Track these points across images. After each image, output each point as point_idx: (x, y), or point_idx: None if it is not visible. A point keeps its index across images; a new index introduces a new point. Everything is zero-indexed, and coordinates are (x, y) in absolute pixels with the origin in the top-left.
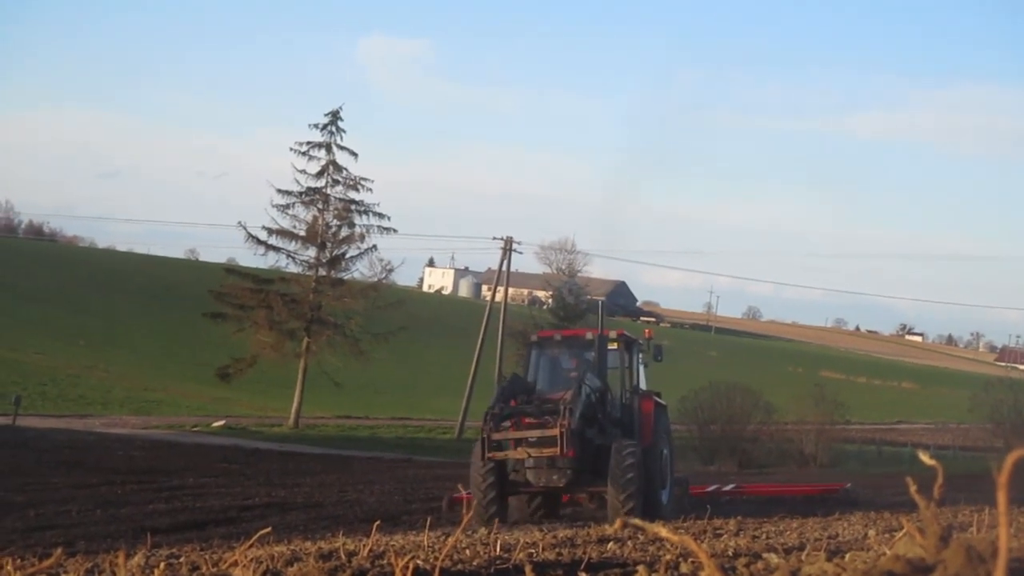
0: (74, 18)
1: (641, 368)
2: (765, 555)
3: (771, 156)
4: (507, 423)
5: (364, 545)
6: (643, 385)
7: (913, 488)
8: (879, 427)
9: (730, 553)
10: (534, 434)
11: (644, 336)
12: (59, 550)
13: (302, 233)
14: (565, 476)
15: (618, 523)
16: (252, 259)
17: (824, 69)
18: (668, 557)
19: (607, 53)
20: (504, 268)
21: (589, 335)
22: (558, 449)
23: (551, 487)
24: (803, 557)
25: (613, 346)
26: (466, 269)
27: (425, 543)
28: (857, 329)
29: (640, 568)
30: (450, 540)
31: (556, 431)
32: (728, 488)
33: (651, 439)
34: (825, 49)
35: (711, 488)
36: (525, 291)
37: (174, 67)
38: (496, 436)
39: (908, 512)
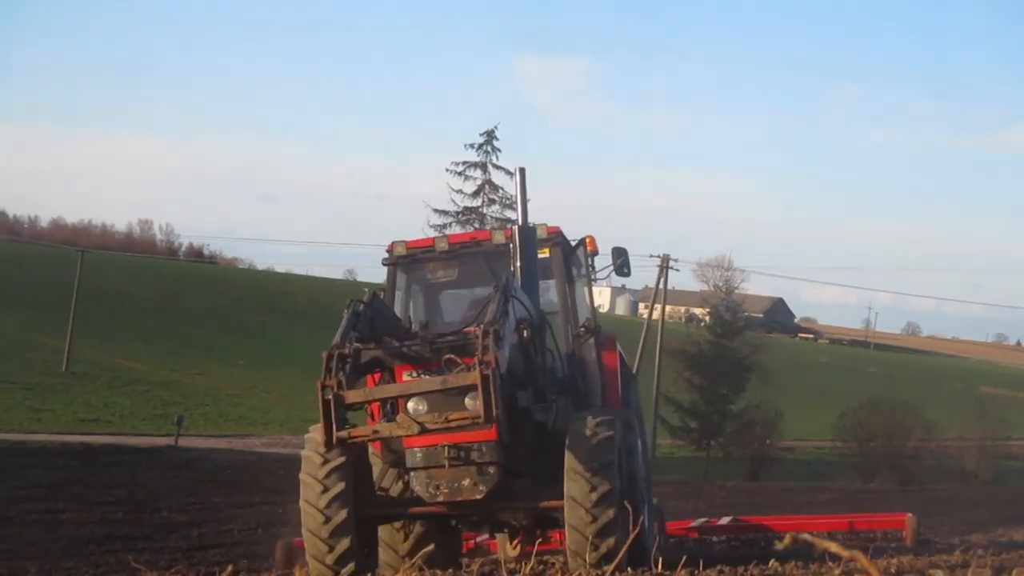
0: (235, 48)
1: (589, 293)
2: (930, 572)
3: (927, 172)
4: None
5: (526, 563)
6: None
7: None
8: None
9: (893, 571)
10: (428, 387)
11: (586, 247)
12: (229, 567)
13: None
14: (487, 479)
15: (787, 538)
16: None
17: (978, 82)
18: (836, 573)
19: (759, 70)
20: (661, 286)
21: (499, 237)
22: (480, 414)
23: (462, 503)
24: (969, 574)
25: (545, 253)
26: (623, 287)
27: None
28: (1018, 344)
29: None
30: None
31: (475, 377)
32: (723, 522)
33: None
34: (980, 61)
35: (697, 523)
36: (682, 308)
37: (331, 91)
38: (353, 398)
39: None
